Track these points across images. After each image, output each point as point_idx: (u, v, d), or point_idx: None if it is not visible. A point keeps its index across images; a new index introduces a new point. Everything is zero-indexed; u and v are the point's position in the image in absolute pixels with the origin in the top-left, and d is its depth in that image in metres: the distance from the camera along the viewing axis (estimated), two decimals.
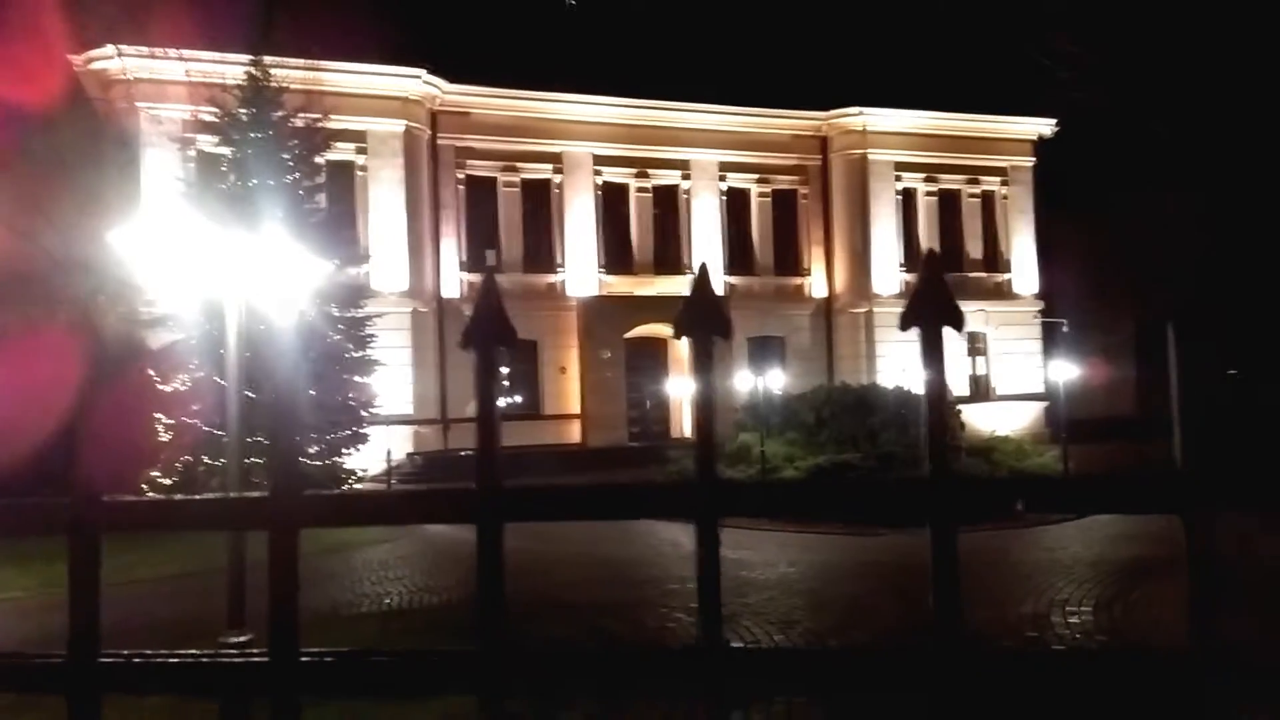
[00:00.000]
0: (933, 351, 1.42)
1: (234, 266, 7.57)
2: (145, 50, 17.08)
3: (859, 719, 5.75)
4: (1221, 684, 1.36)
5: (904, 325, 1.42)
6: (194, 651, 1.51)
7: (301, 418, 1.50)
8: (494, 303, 1.47)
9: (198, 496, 1.58)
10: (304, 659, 1.44)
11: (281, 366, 1.48)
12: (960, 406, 21.34)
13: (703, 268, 1.48)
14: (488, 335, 1.47)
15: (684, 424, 28.16)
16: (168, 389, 17.85)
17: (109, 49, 20.53)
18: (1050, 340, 30.87)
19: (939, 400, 1.43)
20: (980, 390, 30.45)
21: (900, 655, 1.41)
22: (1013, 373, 30.68)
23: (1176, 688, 1.42)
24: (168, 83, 18.35)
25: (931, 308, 1.41)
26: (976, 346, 30.69)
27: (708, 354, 1.49)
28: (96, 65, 21.51)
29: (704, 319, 1.48)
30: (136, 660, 1.50)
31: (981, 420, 26.57)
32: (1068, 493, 1.50)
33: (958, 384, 29.74)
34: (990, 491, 1.51)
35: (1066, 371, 25.46)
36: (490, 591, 1.45)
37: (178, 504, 1.58)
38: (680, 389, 27.54)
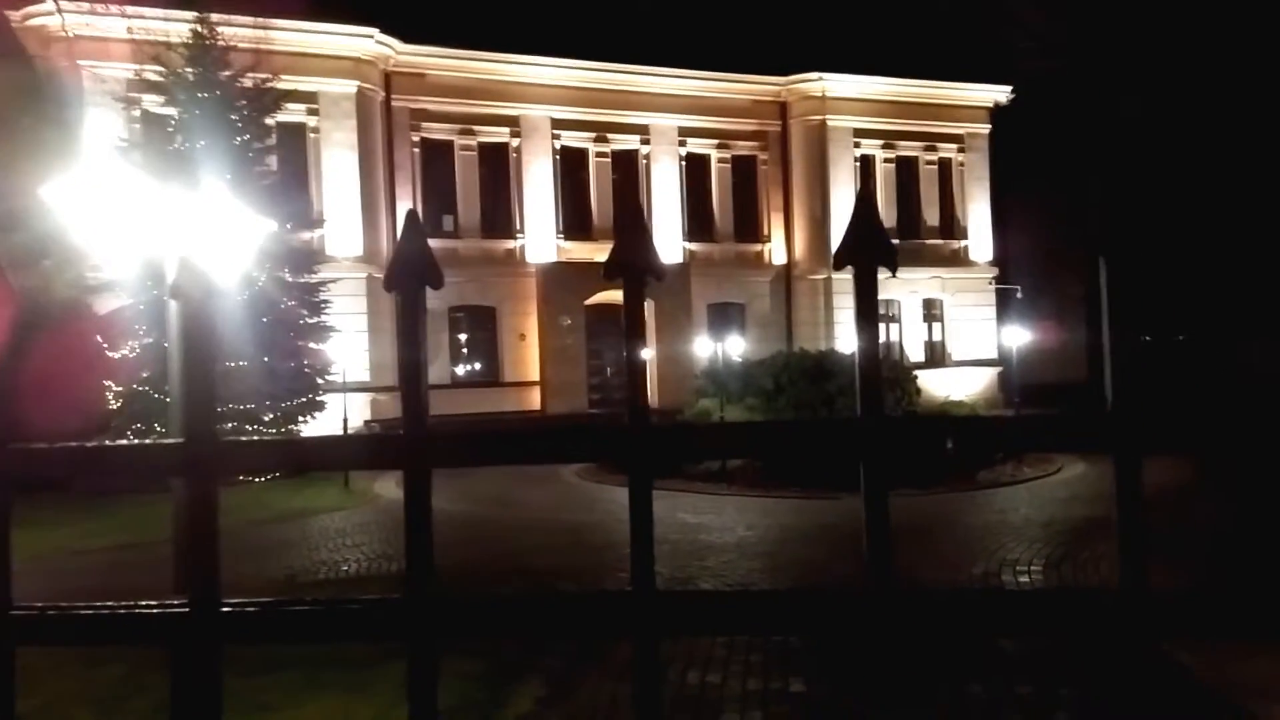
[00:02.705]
0: (866, 292, 1.40)
1: (178, 228, 7.39)
2: (85, 6, 16.50)
3: (795, 659, 5.85)
4: (1144, 622, 1.37)
5: (837, 265, 1.40)
6: (110, 603, 1.47)
7: (215, 363, 1.46)
8: (417, 241, 1.43)
9: (109, 444, 1.53)
10: (225, 609, 1.41)
11: (199, 311, 1.43)
12: (916, 372, 21.58)
13: (633, 204, 1.44)
14: (411, 275, 1.42)
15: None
16: (115, 355, 17.52)
17: (48, 4, 19.84)
18: (1005, 306, 31.34)
19: (872, 342, 1.42)
20: (935, 356, 30.87)
21: (830, 595, 1.40)
22: (968, 339, 31.09)
23: (1102, 625, 1.43)
24: (110, 40, 17.80)
25: (865, 247, 1.39)
26: (932, 313, 31.08)
27: (639, 297, 1.46)
28: (35, 21, 20.76)
29: (634, 259, 1.45)
30: (50, 612, 1.46)
31: (937, 386, 26.95)
32: (997, 432, 1.50)
33: (914, 350, 30.10)
34: (921, 430, 1.50)
35: (1020, 337, 25.94)
36: (416, 539, 1.42)
37: (89, 451, 1.53)
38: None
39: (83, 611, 1.46)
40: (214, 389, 1.45)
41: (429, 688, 1.42)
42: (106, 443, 1.56)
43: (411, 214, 1.48)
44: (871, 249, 1.42)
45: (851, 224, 1.43)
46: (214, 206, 8.36)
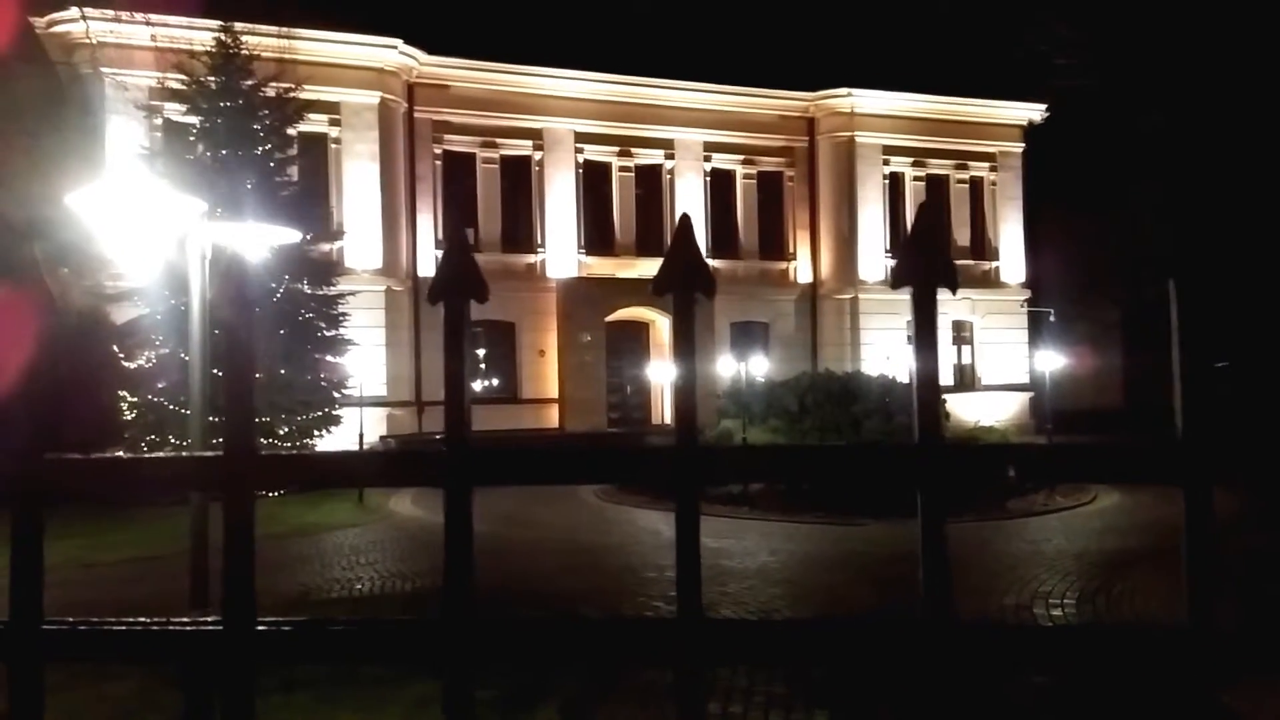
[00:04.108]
0: (925, 313, 1.36)
1: (197, 238, 7.40)
2: (110, 13, 16.63)
3: (820, 690, 5.73)
4: (1216, 660, 1.32)
5: (895, 283, 1.37)
6: (143, 620, 1.44)
7: (254, 377, 1.43)
8: (463, 255, 1.40)
9: (147, 456, 1.50)
10: (260, 627, 1.38)
11: (239, 324, 1.40)
12: (944, 396, 21.33)
13: (684, 218, 1.41)
14: (457, 288, 1.39)
15: (665, 409, 28.07)
16: (132, 365, 17.54)
17: (72, 11, 19.96)
18: (1036, 330, 30.76)
19: (931, 365, 1.37)
20: (965, 380, 30.27)
21: (888, 625, 1.35)
22: (998, 362, 30.48)
23: (1170, 664, 1.38)
24: (133, 48, 17.89)
25: (925, 266, 1.35)
26: (962, 335, 30.49)
27: (689, 313, 1.43)
28: (59, 28, 20.89)
29: (686, 275, 1.41)
30: (82, 628, 1.43)
31: (966, 410, 26.64)
32: (1062, 461, 1.44)
33: (942, 373, 29.63)
34: (981, 458, 1.45)
35: (1052, 362, 25.54)
36: (457, 559, 1.38)
37: (125, 463, 1.50)
38: (661, 374, 27.42)
39: (115, 628, 1.43)
40: (253, 402, 1.42)
41: (466, 711, 1.39)
42: (143, 455, 1.53)
43: (458, 228, 1.46)
44: (932, 268, 1.38)
45: (911, 240, 1.39)
46: (237, 217, 8.40)
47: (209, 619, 1.42)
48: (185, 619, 1.46)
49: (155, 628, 1.44)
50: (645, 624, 1.31)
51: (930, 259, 1.35)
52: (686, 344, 1.43)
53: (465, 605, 1.37)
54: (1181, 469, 1.32)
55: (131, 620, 1.44)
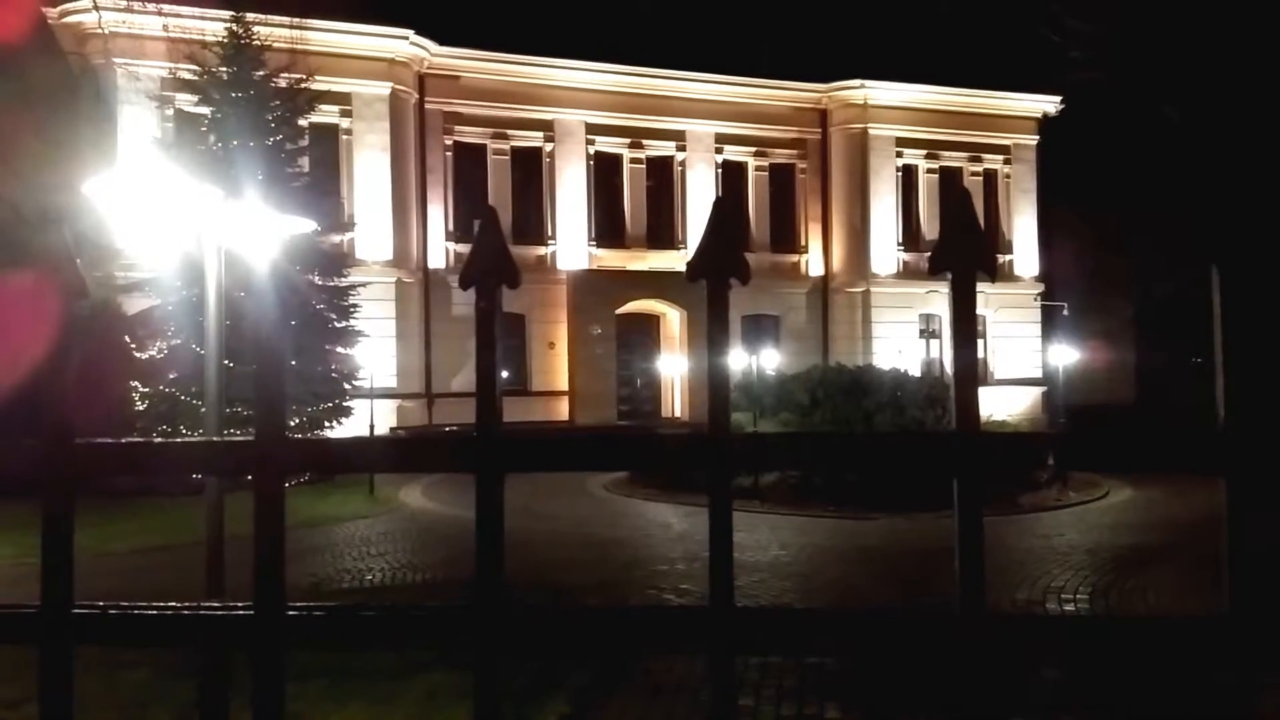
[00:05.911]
0: (964, 299, 1.34)
1: (214, 228, 7.38)
2: (122, 4, 16.60)
3: (831, 684, 5.71)
4: (1258, 653, 1.30)
5: (933, 268, 1.35)
6: (173, 604, 1.44)
7: (285, 363, 1.43)
8: (495, 239, 1.39)
9: (176, 439, 1.49)
10: (291, 612, 1.38)
11: (264, 314, 1.40)
12: None
13: (719, 202, 1.39)
14: (489, 272, 1.38)
15: (675, 403, 28.05)
16: (144, 356, 17.56)
17: (84, 1, 20.03)
18: (1050, 324, 30.51)
19: (969, 352, 1.36)
20: (977, 374, 30.07)
21: (922, 617, 1.34)
22: (1011, 357, 30.18)
23: (1208, 656, 1.37)
24: (146, 38, 17.89)
25: (964, 250, 1.34)
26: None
27: (724, 300, 1.42)
28: (72, 19, 20.92)
29: (721, 261, 1.40)
30: (112, 611, 1.43)
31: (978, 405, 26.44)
32: (1102, 449, 1.42)
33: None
34: (1020, 446, 1.43)
35: (1065, 356, 25.31)
36: (488, 545, 1.38)
37: (155, 446, 1.50)
38: (671, 367, 27.36)
39: (146, 611, 1.43)
40: (284, 387, 1.42)
41: (493, 697, 1.39)
42: (176, 439, 1.53)
43: (490, 211, 1.45)
44: (972, 253, 1.37)
45: (947, 225, 1.37)
46: (249, 207, 8.34)
47: (239, 604, 1.42)
48: (216, 603, 1.47)
49: (186, 612, 1.44)
50: (679, 613, 1.30)
51: (971, 242, 1.34)
52: (720, 331, 1.42)
53: (497, 592, 1.37)
54: (1224, 458, 1.30)
55: (161, 604, 1.45)
